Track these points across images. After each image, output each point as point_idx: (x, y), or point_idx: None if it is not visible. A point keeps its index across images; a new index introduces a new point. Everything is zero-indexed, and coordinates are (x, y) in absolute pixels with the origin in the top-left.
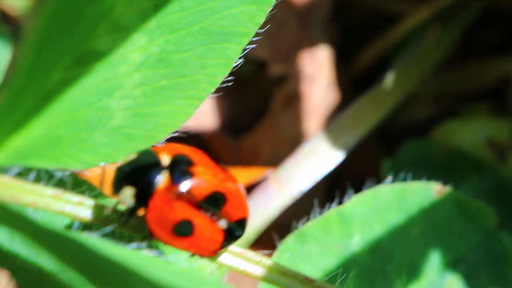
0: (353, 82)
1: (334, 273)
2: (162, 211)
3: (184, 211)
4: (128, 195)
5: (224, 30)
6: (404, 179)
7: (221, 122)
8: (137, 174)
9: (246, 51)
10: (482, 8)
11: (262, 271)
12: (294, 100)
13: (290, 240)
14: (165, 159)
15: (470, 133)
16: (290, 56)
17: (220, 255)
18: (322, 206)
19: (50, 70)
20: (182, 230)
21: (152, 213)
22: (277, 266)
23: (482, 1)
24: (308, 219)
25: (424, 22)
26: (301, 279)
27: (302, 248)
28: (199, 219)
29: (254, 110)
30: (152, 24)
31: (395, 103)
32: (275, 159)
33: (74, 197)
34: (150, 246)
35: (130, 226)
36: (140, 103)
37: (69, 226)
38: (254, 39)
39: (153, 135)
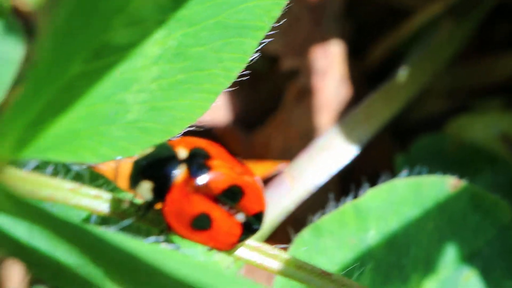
0: (365, 77)
1: (350, 267)
2: (180, 204)
3: (201, 205)
4: (145, 189)
5: (240, 24)
6: (419, 174)
7: (234, 116)
8: (155, 168)
9: (261, 46)
10: (495, 3)
11: (279, 265)
12: (306, 95)
13: (305, 234)
14: (182, 153)
15: (483, 127)
16: (302, 50)
17: (237, 249)
18: (337, 200)
19: (68, 63)
20: (200, 224)
21: (170, 207)
22: (294, 260)
23: None
24: (323, 214)
25: (436, 16)
26: (318, 273)
27: (318, 242)
28: (217, 213)
29: (266, 105)
30: (170, 17)
31: (408, 97)
32: (287, 154)
33: (92, 191)
34: (168, 240)
35: (148, 220)
36: (156, 96)
37: (86, 220)
38: (267, 33)
39: (170, 129)
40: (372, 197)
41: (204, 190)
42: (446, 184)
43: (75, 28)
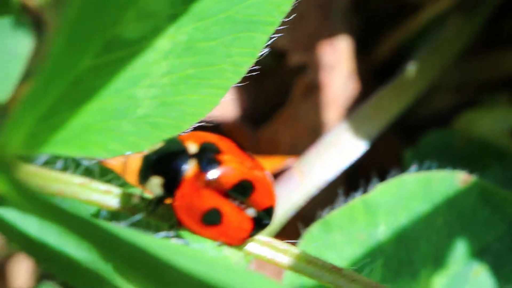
0: (372, 72)
1: (360, 263)
2: (190, 199)
3: (212, 200)
4: (155, 184)
5: (250, 19)
6: (428, 169)
7: (241, 112)
8: (165, 162)
9: (270, 41)
10: None
11: (290, 260)
12: (314, 90)
13: (314, 229)
14: (192, 147)
15: (492, 122)
16: (310, 45)
17: (247, 244)
18: (345, 196)
19: (79, 57)
20: (211, 219)
21: (180, 202)
22: (304, 255)
23: None
24: (332, 209)
25: (445, 11)
26: (329, 268)
27: (327, 237)
28: (227, 208)
29: (274, 100)
30: (180, 11)
31: (417, 93)
32: (295, 149)
33: (102, 186)
34: (178, 235)
35: (158, 215)
36: (167, 92)
37: (96, 215)
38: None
39: (179, 124)
40: (382, 192)
41: (214, 185)
42: (455, 179)
43: (87, 21)
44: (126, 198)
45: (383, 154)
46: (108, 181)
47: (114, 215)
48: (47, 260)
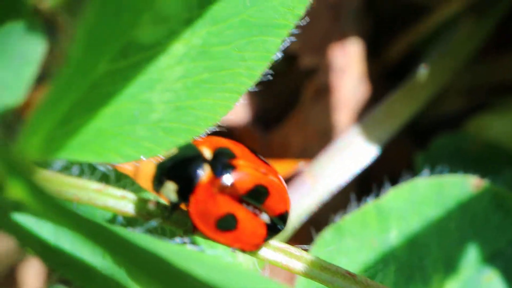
0: (383, 75)
1: (372, 268)
2: (205, 205)
3: (227, 205)
4: (170, 190)
5: (265, 23)
6: (440, 173)
7: (252, 115)
8: (179, 168)
9: (284, 45)
10: None
11: (303, 266)
12: (324, 93)
13: (327, 234)
14: (207, 153)
15: (503, 125)
16: (321, 48)
17: (261, 249)
18: (357, 200)
19: (95, 62)
20: (225, 224)
21: (195, 208)
22: (318, 261)
23: None
24: (343, 214)
25: (456, 14)
26: (342, 274)
27: (340, 242)
28: (242, 213)
29: (285, 103)
30: (195, 15)
31: (429, 96)
32: (305, 153)
33: (117, 192)
34: (193, 241)
35: (173, 221)
36: (181, 96)
37: (112, 221)
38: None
39: (193, 128)
40: (394, 197)
41: (229, 190)
42: (467, 184)
43: (104, 26)
44: (141, 204)
45: (394, 157)
46: (124, 187)
47: (130, 221)
48: (62, 266)
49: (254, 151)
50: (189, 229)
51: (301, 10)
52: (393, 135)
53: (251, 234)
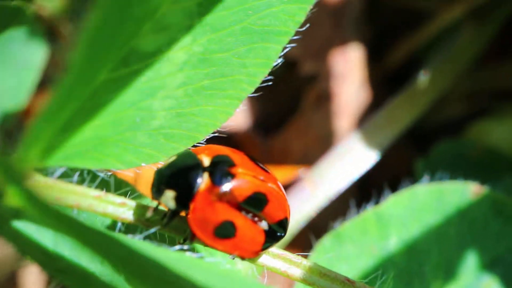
0: (384, 81)
1: (372, 275)
2: (203, 213)
3: (225, 213)
4: (169, 197)
5: (265, 29)
6: (440, 179)
7: (252, 121)
8: (178, 176)
9: (284, 51)
10: None
11: (302, 273)
12: (325, 99)
13: (326, 241)
14: (206, 161)
15: (504, 131)
16: (321, 54)
17: (260, 256)
18: (357, 206)
19: (97, 71)
20: (224, 232)
21: (194, 215)
22: (317, 268)
23: None
24: (343, 220)
25: (457, 20)
26: (341, 281)
27: (339, 249)
28: (241, 221)
29: (285, 109)
30: (196, 23)
31: (429, 102)
32: (306, 158)
33: (117, 199)
34: (192, 248)
35: (172, 228)
36: (182, 103)
37: (112, 227)
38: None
39: (194, 135)
40: (394, 204)
41: (227, 198)
42: (467, 191)
43: (106, 35)
44: (141, 210)
45: (395, 163)
46: (124, 193)
47: (130, 228)
48: (62, 273)
49: (253, 159)
50: (188, 237)
51: (302, 17)
52: (393, 141)
53: (250, 241)
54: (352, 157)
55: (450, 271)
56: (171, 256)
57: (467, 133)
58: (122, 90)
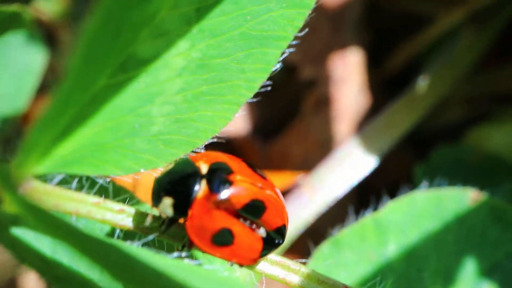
0: (384, 85)
1: (370, 282)
2: (201, 220)
3: (223, 220)
4: (167, 205)
5: (264, 35)
6: (439, 185)
7: (251, 126)
8: (176, 184)
9: (283, 56)
10: None
11: (301, 280)
12: (324, 104)
13: (325, 248)
14: (203, 168)
15: (503, 136)
16: (321, 59)
17: (259, 263)
18: (355, 212)
19: (95, 78)
20: (222, 239)
21: (192, 222)
22: (315, 275)
23: None
24: (342, 226)
25: (456, 24)
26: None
27: (338, 256)
28: (239, 228)
29: (284, 114)
30: (194, 28)
31: (429, 106)
32: (305, 163)
33: (115, 205)
34: (191, 255)
35: (170, 235)
36: (180, 109)
37: (110, 234)
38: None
39: (193, 140)
40: (392, 210)
41: (225, 205)
42: (466, 197)
43: (104, 41)
44: (139, 217)
45: (394, 168)
46: (122, 200)
47: (128, 234)
48: (60, 280)
49: (251, 165)
50: (186, 244)
51: (301, 22)
52: (393, 146)
53: (248, 248)
54: (351, 162)
55: (448, 277)
56: (169, 263)
57: (466, 138)
58: (120, 96)
